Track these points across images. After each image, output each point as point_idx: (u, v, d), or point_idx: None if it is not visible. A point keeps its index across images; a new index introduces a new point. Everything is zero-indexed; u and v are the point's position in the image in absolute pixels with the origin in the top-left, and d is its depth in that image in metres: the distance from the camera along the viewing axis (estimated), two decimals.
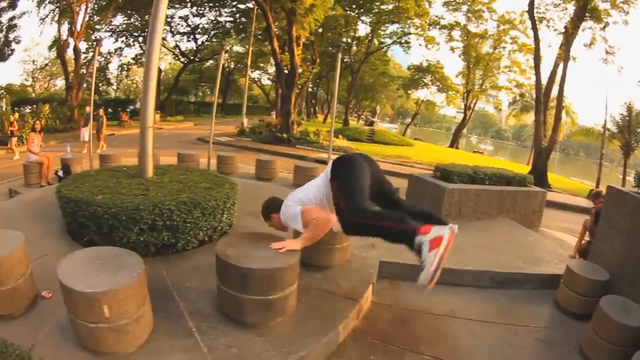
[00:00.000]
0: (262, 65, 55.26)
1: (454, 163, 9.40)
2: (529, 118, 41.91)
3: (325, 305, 4.06)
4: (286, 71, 24.57)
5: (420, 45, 40.05)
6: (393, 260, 4.75)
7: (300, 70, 24.64)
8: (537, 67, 22.23)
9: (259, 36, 38.76)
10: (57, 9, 29.12)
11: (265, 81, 66.10)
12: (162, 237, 5.00)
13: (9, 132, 17.04)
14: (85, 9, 28.59)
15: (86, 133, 16.50)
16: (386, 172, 12.01)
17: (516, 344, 4.04)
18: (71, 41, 29.13)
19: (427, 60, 44.35)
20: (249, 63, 33.03)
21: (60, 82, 51.35)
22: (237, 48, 51.61)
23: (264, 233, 4.17)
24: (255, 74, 61.28)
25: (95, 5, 31.35)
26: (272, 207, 4.14)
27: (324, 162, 13.28)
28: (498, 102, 51.75)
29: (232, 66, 55.65)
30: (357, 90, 52.29)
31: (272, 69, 55.53)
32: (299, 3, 21.49)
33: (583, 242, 6.96)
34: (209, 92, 68.70)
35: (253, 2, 28.11)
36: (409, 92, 52.15)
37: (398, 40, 41.72)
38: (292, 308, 3.87)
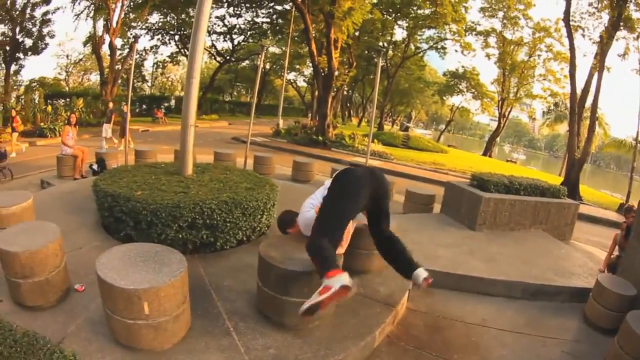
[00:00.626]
0: (298, 67, 55.23)
1: (490, 172, 9.36)
2: (563, 128, 41.24)
3: (362, 310, 4.10)
4: (323, 74, 24.68)
5: (456, 51, 40.02)
6: (428, 267, 4.86)
7: (337, 73, 24.62)
8: (572, 76, 21.89)
9: (296, 38, 38.68)
10: (92, 5, 29.42)
11: (301, 83, 66.62)
12: (201, 235, 5.04)
13: (10, 126, 16.10)
14: (122, 6, 28.74)
15: (109, 129, 16.76)
16: (421, 179, 12.03)
17: (544, 356, 4.11)
18: (106, 37, 29.38)
19: (462, 67, 44.03)
20: (285, 65, 33.25)
21: (94, 78, 51.94)
22: (273, 49, 51.90)
23: (305, 236, 4.10)
24: (291, 76, 61.54)
25: (131, 3, 31.60)
26: (286, 220, 4.48)
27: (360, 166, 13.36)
28: (532, 111, 51.14)
29: (268, 67, 55.85)
30: (392, 95, 51.95)
31: (308, 71, 55.80)
32: (337, 6, 21.53)
33: (612, 256, 6.95)
34: (244, 92, 69.41)
35: (291, 3, 28.34)
36: (444, 98, 51.79)
37: (434, 45, 41.37)
38: (331, 311, 3.90)
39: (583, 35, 22.77)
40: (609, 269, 6.61)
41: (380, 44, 39.19)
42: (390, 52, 42.73)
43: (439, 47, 41.47)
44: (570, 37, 21.86)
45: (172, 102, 40.11)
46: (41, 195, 7.12)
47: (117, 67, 29.91)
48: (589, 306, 4.99)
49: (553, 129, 45.91)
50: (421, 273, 3.89)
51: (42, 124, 20.27)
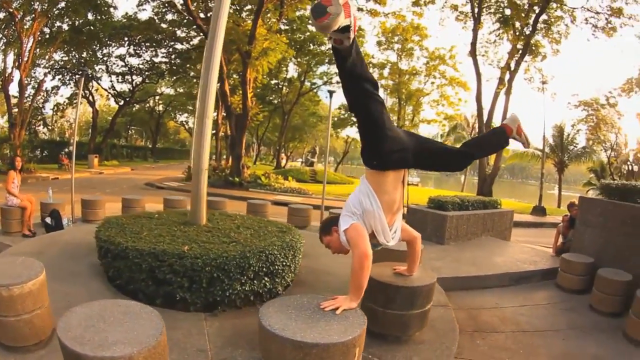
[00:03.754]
0: (190, 108, 55.85)
1: (439, 195, 10.92)
2: None
3: None
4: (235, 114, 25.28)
5: None
6: (438, 276, 5.40)
7: (251, 113, 25.29)
8: (478, 101, 24.89)
9: (193, 78, 39.47)
10: (4, 38, 28.01)
11: (192, 125, 66.51)
12: (263, 283, 4.95)
13: None
14: (34, 40, 27.18)
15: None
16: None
17: (549, 314, 5.92)
18: (16, 74, 27.65)
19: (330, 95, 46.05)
20: (197, 105, 33.46)
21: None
22: (168, 90, 52.23)
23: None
24: (183, 117, 62.18)
25: (40, 38, 29.04)
26: (330, 223, 3.75)
27: (285, 204, 14.15)
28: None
29: (162, 109, 56.35)
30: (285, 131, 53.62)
31: None
32: (255, 46, 22.36)
33: (559, 243, 9.11)
34: (137, 136, 68.52)
35: (192, 43, 29.53)
36: (338, 130, 53.72)
37: (329, 80, 42.93)
38: None
39: (492, 65, 26.94)
40: (558, 253, 8.60)
41: (274, 82, 41.27)
42: (284, 89, 44.39)
43: (333, 81, 42.55)
44: (476, 65, 24.90)
45: (71, 148, 38.50)
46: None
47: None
48: (560, 277, 7.05)
49: None
50: (509, 122, 3.87)
51: None
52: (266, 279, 4.98)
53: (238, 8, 27.96)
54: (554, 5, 23.00)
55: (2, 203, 9.13)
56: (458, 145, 4.00)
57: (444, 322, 4.84)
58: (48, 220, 9.20)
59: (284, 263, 5.15)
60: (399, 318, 3.86)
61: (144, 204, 10.89)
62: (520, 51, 24.51)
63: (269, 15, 25.45)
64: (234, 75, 30.64)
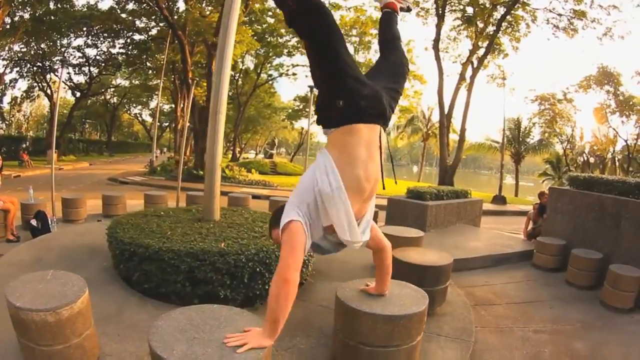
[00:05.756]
0: (145, 100, 55.71)
1: (416, 186, 11.91)
2: (418, 139, 47.39)
3: None
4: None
5: (306, 76, 42.45)
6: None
7: None
8: (440, 95, 25.66)
9: (149, 70, 39.68)
10: None
11: (146, 117, 66.30)
12: None
13: None
14: None
15: None
16: None
17: (532, 288, 6.88)
18: None
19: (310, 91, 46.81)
20: (159, 97, 34.12)
21: None
22: (122, 82, 51.76)
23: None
24: (137, 109, 61.96)
25: (1, 28, 28.64)
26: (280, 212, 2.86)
27: (259, 197, 14.90)
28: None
29: (116, 101, 55.70)
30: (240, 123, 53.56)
31: (153, 104, 55.61)
32: None
33: (529, 228, 10.12)
34: (91, 130, 67.43)
35: (149, 35, 29.73)
36: (293, 122, 54.62)
37: (285, 72, 43.70)
38: None
39: (455, 62, 27.78)
40: (529, 237, 9.77)
41: (232, 73, 41.48)
42: (239, 81, 44.61)
43: (289, 73, 43.66)
44: (438, 60, 25.70)
45: (28, 143, 37.31)
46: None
47: None
48: (537, 258, 8.08)
49: (410, 141, 51.92)
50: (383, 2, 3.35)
51: None
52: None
53: None
54: (517, 6, 23.85)
55: None
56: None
57: (455, 297, 5.56)
58: (34, 222, 8.50)
59: (309, 257, 5.38)
60: (429, 294, 3.91)
61: (125, 201, 10.84)
62: (483, 49, 25.52)
63: None
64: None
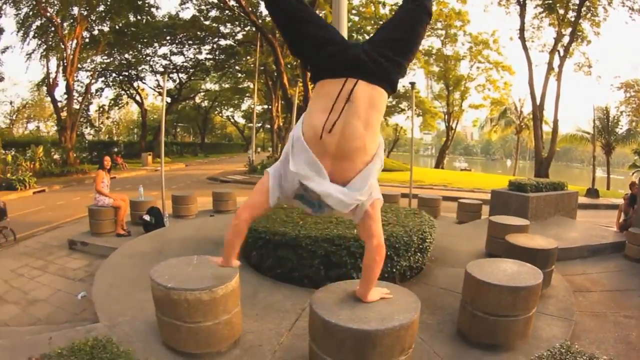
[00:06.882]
0: (235, 102, 57.76)
1: (518, 178, 12.12)
2: (511, 132, 46.80)
3: None
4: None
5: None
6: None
7: None
8: (531, 86, 25.58)
9: (239, 73, 41.26)
10: (43, 44, 28.81)
11: (238, 119, 68.39)
12: (416, 259, 5.56)
13: None
14: (77, 44, 28.13)
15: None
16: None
17: (621, 278, 7.24)
18: (60, 78, 29.36)
19: (403, 86, 46.47)
20: (255, 99, 34.14)
21: (33, 125, 51.90)
22: (212, 86, 53.77)
23: None
24: (229, 112, 64.22)
25: (83, 41, 30.21)
26: None
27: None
28: (477, 120, 56.59)
29: (207, 104, 58.12)
30: None
31: (245, 106, 57.59)
32: None
33: (621, 220, 10.30)
34: (184, 133, 70.53)
35: (236, 40, 31.00)
36: (387, 118, 53.78)
37: None
38: None
39: (542, 51, 27.48)
40: (621, 229, 9.98)
41: None
42: None
43: None
44: (526, 50, 25.59)
45: (122, 147, 39.99)
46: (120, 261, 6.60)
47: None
48: (628, 249, 8.30)
49: (504, 134, 51.21)
50: None
51: (9, 174, 19.59)
52: (419, 254, 5.62)
53: None
54: None
55: (91, 204, 9.28)
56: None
57: (558, 282, 6.06)
58: (147, 217, 9.33)
59: (430, 240, 5.83)
60: None
61: (235, 197, 11.72)
62: (567, 37, 25.25)
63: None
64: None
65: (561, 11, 25.37)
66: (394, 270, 5.28)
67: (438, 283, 5.71)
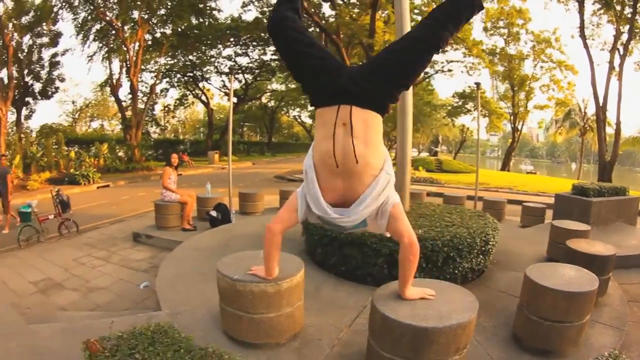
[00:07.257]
0: (302, 102, 57.44)
1: (581, 182, 12.02)
2: (575, 134, 45.42)
3: None
4: None
5: (462, 72, 42.69)
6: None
7: None
8: (594, 86, 24.95)
9: None
10: (105, 47, 30.40)
11: (305, 118, 68.86)
12: (478, 261, 5.57)
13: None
14: (140, 46, 29.09)
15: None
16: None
17: None
18: (124, 79, 30.83)
19: (469, 86, 45.09)
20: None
21: (96, 124, 54.76)
22: (278, 86, 54.57)
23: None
24: (295, 112, 64.84)
25: (145, 44, 31.53)
26: None
27: (438, 195, 15.02)
28: (542, 122, 55.40)
29: (273, 104, 59.08)
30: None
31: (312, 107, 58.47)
32: (377, 38, 23.36)
33: None
34: (251, 132, 71.96)
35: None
36: (453, 119, 53.46)
37: (440, 69, 42.47)
38: None
39: (602, 49, 26.97)
40: None
41: None
42: None
43: (444, 70, 42.26)
44: (587, 49, 25.09)
45: (188, 145, 41.33)
46: (185, 254, 6.97)
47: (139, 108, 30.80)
48: None
49: (569, 136, 49.80)
50: None
51: (72, 170, 20.81)
52: (481, 256, 5.64)
53: (347, 2, 28.59)
54: None
55: (157, 199, 9.70)
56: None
57: (613, 290, 5.86)
58: (213, 213, 9.58)
59: (493, 243, 5.84)
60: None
61: None
62: (625, 34, 24.54)
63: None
64: None
65: (618, 7, 24.77)
66: (456, 271, 5.39)
67: (498, 286, 5.78)
